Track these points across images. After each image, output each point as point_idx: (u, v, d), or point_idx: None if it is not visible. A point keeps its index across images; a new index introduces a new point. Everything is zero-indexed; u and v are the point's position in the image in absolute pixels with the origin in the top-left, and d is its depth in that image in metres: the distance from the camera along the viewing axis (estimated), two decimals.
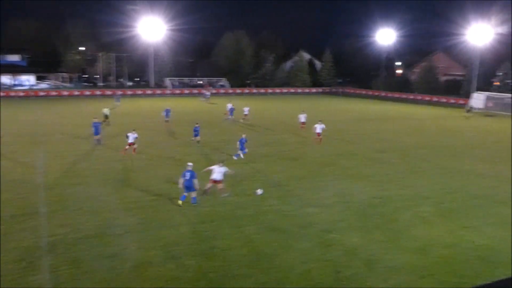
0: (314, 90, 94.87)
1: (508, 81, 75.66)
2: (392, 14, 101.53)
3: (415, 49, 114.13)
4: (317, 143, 32.75)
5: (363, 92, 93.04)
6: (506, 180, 23.98)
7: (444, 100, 78.23)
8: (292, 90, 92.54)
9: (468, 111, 57.37)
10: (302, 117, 39.20)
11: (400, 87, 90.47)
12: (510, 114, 59.56)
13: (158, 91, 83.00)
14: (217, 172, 19.07)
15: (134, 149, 28.02)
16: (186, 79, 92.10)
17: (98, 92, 79.19)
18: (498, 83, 76.00)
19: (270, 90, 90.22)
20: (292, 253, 14.09)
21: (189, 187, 18.03)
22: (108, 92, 77.09)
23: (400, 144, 34.32)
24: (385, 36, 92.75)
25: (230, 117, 45.27)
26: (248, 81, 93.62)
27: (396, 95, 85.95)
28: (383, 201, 19.69)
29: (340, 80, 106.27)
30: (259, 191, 20.21)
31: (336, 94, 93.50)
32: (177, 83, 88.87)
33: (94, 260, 13.30)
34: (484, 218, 17.93)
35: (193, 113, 52.22)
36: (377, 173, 24.69)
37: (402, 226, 16.79)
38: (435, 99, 79.75)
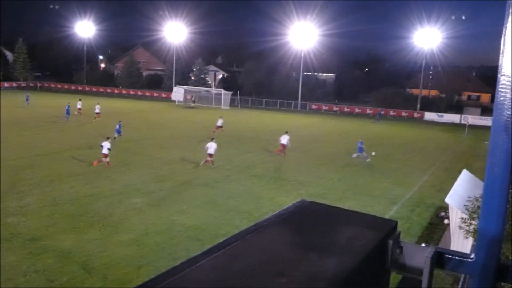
0: (6, 84, 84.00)
1: (202, 76, 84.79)
2: (90, 7, 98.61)
3: (117, 43, 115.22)
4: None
5: (65, 86, 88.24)
6: (207, 165, 26.78)
7: (147, 94, 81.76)
8: None
9: (194, 101, 66.73)
10: (219, 122, 40.57)
11: (104, 82, 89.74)
12: (206, 105, 68.08)
13: None
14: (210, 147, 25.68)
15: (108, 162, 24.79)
16: None
17: None
18: (194, 78, 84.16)
19: None
20: None
21: None
22: None
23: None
24: (84, 29, 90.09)
25: (67, 116, 43.08)
26: None
27: (101, 89, 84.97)
28: (95, 198, 19.14)
29: (38, 74, 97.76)
30: (373, 153, 29.04)
31: (33, 89, 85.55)
32: None
33: None
34: (191, 201, 19.56)
35: None
36: (85, 171, 23.83)
37: (116, 220, 16.69)
38: (139, 93, 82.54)
